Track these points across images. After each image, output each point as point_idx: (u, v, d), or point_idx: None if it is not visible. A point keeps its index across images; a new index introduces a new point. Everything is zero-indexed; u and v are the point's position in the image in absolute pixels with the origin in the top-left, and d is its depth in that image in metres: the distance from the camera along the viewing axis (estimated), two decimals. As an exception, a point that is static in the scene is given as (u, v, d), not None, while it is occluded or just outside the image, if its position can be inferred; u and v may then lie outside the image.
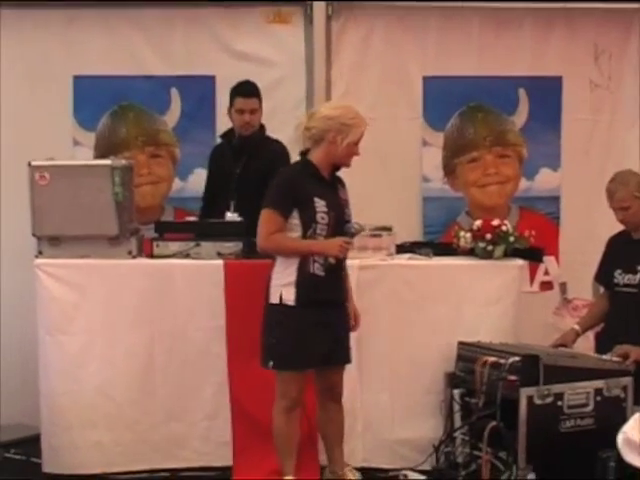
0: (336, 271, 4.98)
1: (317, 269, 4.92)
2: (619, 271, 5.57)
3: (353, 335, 5.17)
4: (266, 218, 4.94)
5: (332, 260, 4.91)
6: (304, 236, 4.92)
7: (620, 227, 5.59)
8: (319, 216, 4.90)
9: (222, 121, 6.31)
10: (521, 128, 6.64)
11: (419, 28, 6.51)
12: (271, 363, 4.97)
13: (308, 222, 4.91)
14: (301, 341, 4.92)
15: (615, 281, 5.59)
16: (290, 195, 4.93)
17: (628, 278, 5.54)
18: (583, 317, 5.80)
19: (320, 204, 4.91)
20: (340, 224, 4.97)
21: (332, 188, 5.02)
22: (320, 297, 4.92)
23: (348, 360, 5.13)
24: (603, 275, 5.73)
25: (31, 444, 5.62)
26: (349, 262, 5.22)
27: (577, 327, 5.65)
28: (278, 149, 5.95)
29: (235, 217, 5.59)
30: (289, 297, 4.92)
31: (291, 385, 4.99)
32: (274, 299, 4.95)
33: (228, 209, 5.74)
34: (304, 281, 4.92)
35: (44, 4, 6.29)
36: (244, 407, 5.48)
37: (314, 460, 5.42)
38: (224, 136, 6.13)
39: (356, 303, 5.24)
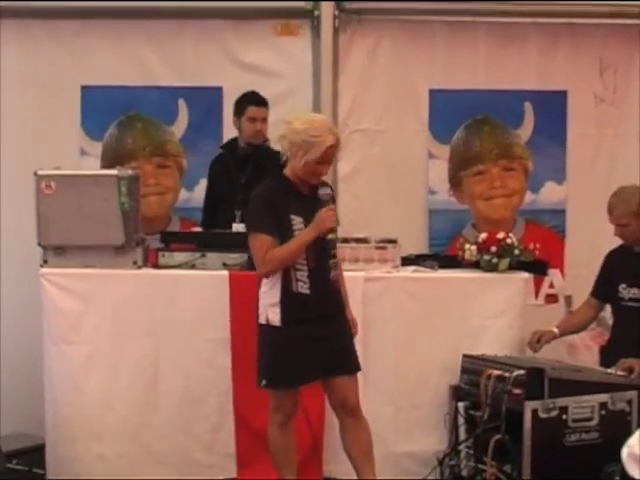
0: (324, 286, 4.84)
1: (301, 287, 4.81)
2: (623, 285, 5.58)
3: (358, 347, 5.08)
4: (257, 244, 4.81)
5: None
6: None
7: (623, 241, 5.61)
8: (296, 234, 4.79)
9: (229, 132, 6.33)
10: (527, 141, 6.66)
11: (426, 41, 6.53)
12: (264, 382, 4.91)
13: (286, 240, 4.79)
14: (291, 359, 4.84)
15: (620, 295, 5.60)
16: (271, 213, 4.78)
17: (633, 292, 5.55)
18: (563, 322, 5.82)
19: (297, 221, 4.79)
20: (318, 238, 4.79)
21: (310, 201, 4.83)
22: (307, 315, 4.82)
23: (354, 369, 4.97)
24: (602, 290, 5.73)
25: (34, 454, 5.59)
26: (353, 274, 5.23)
27: (556, 330, 5.69)
28: (281, 160, 5.98)
29: (242, 228, 5.59)
30: (274, 318, 4.85)
31: (285, 400, 4.93)
32: (262, 319, 4.90)
33: (234, 220, 5.74)
34: (288, 300, 4.84)
35: (54, 14, 6.31)
36: (248, 419, 5.47)
37: (318, 472, 5.42)
38: (225, 147, 6.16)
39: (362, 315, 5.24)
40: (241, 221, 5.66)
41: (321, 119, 4.97)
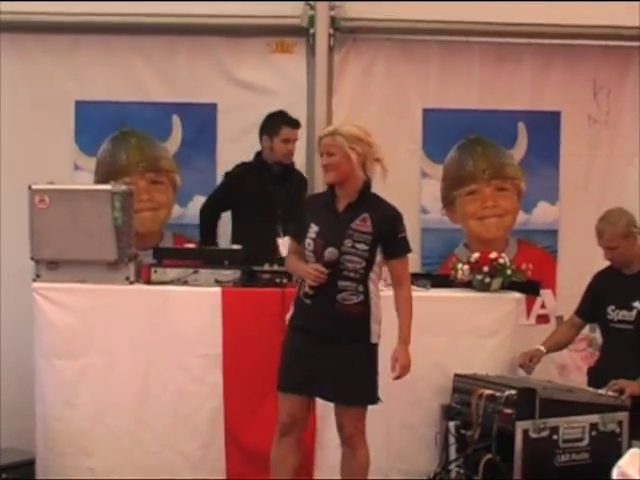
0: (324, 304, 4.77)
1: (302, 295, 4.85)
2: (612, 307, 5.60)
3: None
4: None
5: (307, 288, 4.77)
6: (305, 260, 4.89)
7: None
8: (307, 242, 4.83)
9: (223, 149, 6.36)
10: (520, 162, 6.68)
11: (420, 61, 6.56)
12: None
13: (302, 246, 4.88)
14: (284, 361, 4.87)
15: (609, 317, 5.62)
16: (300, 218, 4.90)
17: (623, 314, 5.56)
18: (549, 340, 5.80)
19: (312, 230, 4.81)
20: (320, 259, 4.79)
21: (339, 217, 4.83)
22: (304, 324, 4.82)
23: (347, 401, 4.82)
24: (588, 310, 5.76)
25: (25, 469, 5.56)
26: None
27: (543, 348, 5.69)
28: (304, 178, 6.25)
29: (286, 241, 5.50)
30: (288, 316, 4.94)
31: (281, 408, 4.90)
32: None
33: (276, 235, 5.70)
34: (298, 302, 4.89)
35: (48, 29, 6.31)
36: (239, 436, 5.46)
37: (308, 490, 5.41)
38: (256, 160, 6.19)
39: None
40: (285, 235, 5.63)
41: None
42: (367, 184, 4.88)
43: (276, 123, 6.11)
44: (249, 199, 6.11)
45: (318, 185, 6.15)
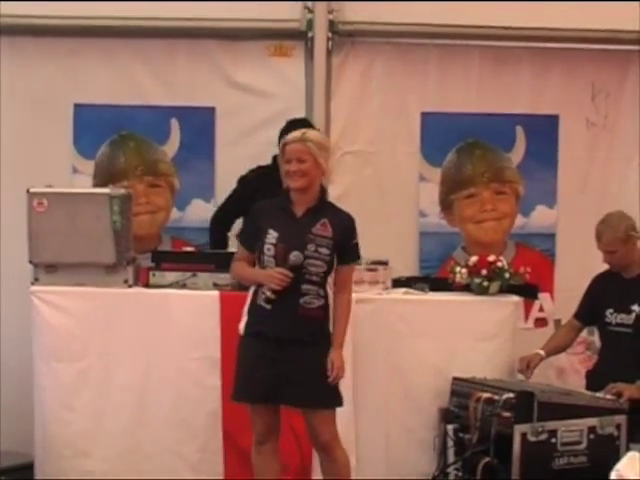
0: (287, 308, 4.76)
1: (262, 300, 4.81)
2: (610, 310, 5.61)
3: (348, 368, 5.00)
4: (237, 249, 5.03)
5: (268, 293, 4.75)
6: (259, 266, 4.88)
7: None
8: (266, 247, 4.81)
9: (221, 152, 6.36)
10: (518, 165, 6.67)
11: (419, 64, 6.55)
12: (232, 394, 4.94)
13: (258, 253, 4.86)
14: (243, 372, 4.85)
15: (607, 320, 5.62)
16: (251, 226, 4.95)
17: (621, 318, 5.57)
18: (548, 344, 5.80)
19: (271, 235, 4.80)
20: (285, 264, 4.76)
21: (298, 222, 4.84)
22: (263, 330, 4.80)
23: (314, 404, 4.83)
24: (587, 314, 5.77)
25: (24, 472, 5.58)
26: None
27: (542, 352, 5.69)
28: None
29: None
30: (241, 326, 4.90)
31: (254, 418, 4.89)
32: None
33: None
34: (252, 311, 4.87)
35: (47, 32, 6.30)
36: (237, 439, 5.46)
37: (308, 492, 5.42)
38: (274, 164, 6.14)
39: (352, 336, 5.17)
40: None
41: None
42: (324, 190, 4.99)
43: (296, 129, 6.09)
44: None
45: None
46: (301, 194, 4.86)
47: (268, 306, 4.79)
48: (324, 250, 4.81)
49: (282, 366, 4.75)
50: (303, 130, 4.95)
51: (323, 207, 4.92)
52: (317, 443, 4.93)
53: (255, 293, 4.87)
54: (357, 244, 4.95)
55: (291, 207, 4.88)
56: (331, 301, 4.88)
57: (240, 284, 5.46)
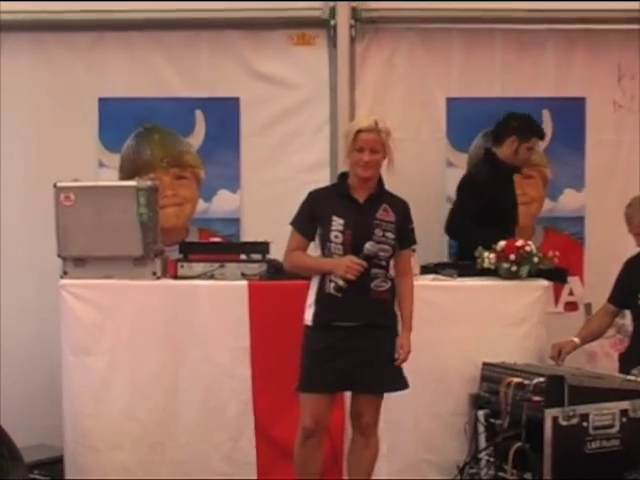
0: (358, 293, 4.80)
1: (332, 289, 4.82)
2: (642, 293, 5.57)
3: None
4: (289, 236, 4.97)
5: (340, 282, 4.77)
6: (322, 254, 4.91)
7: (644, 247, 5.59)
8: (332, 235, 4.83)
9: (246, 142, 6.36)
10: (545, 149, 6.63)
11: (442, 50, 6.52)
12: (296, 385, 4.92)
13: (323, 240, 4.88)
14: (312, 363, 4.85)
15: (639, 303, 5.58)
16: (308, 213, 4.92)
17: (653, 300, 5.54)
18: (582, 331, 5.78)
19: (337, 222, 4.83)
20: (355, 249, 4.82)
21: (362, 208, 4.89)
22: (334, 318, 4.82)
23: (377, 390, 4.90)
24: (620, 297, 5.73)
25: (55, 465, 5.62)
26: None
27: (576, 340, 5.68)
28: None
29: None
30: (308, 317, 4.89)
31: (305, 411, 4.88)
32: (304, 319, 4.92)
33: (514, 235, 5.89)
34: (321, 301, 4.87)
35: (68, 27, 6.33)
36: (268, 428, 5.49)
37: (338, 485, 5.41)
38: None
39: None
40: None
41: (365, 114, 5.15)
42: (381, 176, 4.99)
43: (531, 131, 6.18)
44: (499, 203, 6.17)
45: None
46: (364, 181, 4.90)
47: (339, 294, 4.80)
48: (390, 234, 4.88)
49: (352, 355, 4.80)
50: (374, 118, 4.93)
51: (382, 193, 4.97)
52: (359, 425, 4.96)
53: (322, 284, 4.86)
54: (414, 228, 5.04)
55: (352, 194, 4.91)
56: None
57: (268, 273, 5.47)
